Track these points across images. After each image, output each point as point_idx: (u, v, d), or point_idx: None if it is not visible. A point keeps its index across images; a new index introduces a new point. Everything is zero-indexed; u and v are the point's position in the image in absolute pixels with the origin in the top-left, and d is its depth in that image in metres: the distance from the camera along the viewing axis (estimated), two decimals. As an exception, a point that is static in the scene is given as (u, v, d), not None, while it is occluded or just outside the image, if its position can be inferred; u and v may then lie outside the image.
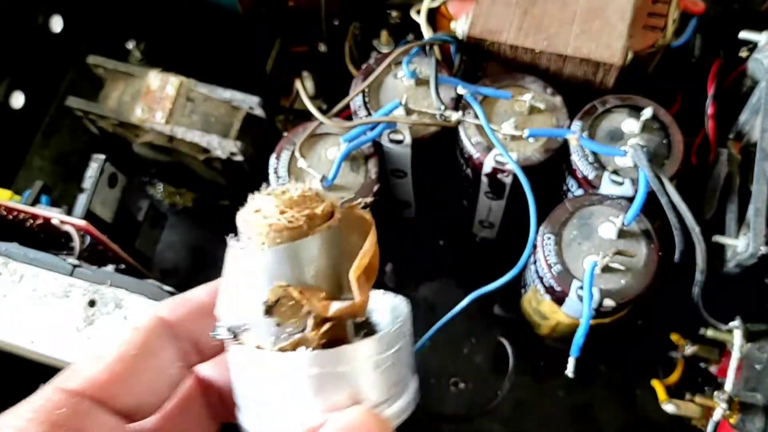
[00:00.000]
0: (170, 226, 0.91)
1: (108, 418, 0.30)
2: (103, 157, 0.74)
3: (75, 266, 0.58)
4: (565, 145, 0.67)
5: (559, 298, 0.63)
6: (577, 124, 0.67)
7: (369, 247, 0.30)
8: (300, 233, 0.29)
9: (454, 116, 0.68)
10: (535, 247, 0.64)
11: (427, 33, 0.75)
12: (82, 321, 0.56)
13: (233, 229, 0.31)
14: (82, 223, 0.69)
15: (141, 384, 0.31)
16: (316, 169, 0.69)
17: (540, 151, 0.67)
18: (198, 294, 0.34)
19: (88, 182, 0.73)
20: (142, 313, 0.34)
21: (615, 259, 0.61)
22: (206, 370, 0.35)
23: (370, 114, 0.71)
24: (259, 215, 0.29)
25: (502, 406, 0.76)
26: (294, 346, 0.29)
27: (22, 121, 0.79)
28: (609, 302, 0.60)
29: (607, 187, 0.65)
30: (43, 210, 0.69)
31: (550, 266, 0.62)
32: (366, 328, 0.32)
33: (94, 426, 0.29)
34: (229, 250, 0.31)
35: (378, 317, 0.34)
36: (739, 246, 0.60)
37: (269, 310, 0.29)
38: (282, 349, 0.29)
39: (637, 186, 0.62)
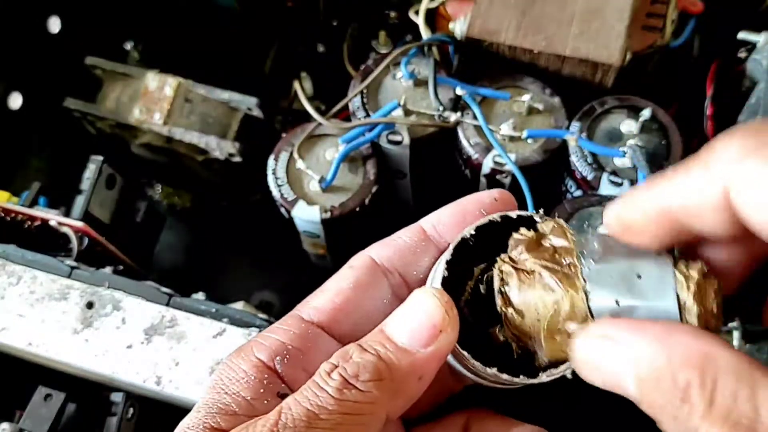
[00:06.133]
0: (168, 227, 0.91)
1: (331, 345, 0.34)
2: (101, 158, 0.74)
3: (73, 268, 0.58)
4: (564, 145, 0.67)
5: (558, 299, 0.63)
6: (575, 125, 0.67)
7: None
8: None
9: (453, 117, 0.68)
10: (533, 248, 0.64)
11: (425, 34, 0.74)
12: (80, 323, 0.56)
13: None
14: (80, 224, 0.68)
15: (358, 313, 0.35)
16: (315, 170, 0.69)
17: (538, 151, 0.67)
18: (402, 236, 0.38)
19: (86, 183, 0.73)
20: (357, 256, 0.38)
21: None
22: None
23: (368, 115, 0.71)
24: None
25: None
26: None
27: (20, 122, 0.79)
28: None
29: (606, 188, 0.64)
30: (41, 211, 0.69)
31: (548, 267, 0.62)
32: None
33: (318, 347, 0.34)
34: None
35: None
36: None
37: None
38: None
39: (636, 187, 0.62)
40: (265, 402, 0.32)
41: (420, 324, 0.32)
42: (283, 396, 0.31)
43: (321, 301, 0.36)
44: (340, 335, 0.35)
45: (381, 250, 0.37)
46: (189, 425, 0.31)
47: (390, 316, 0.33)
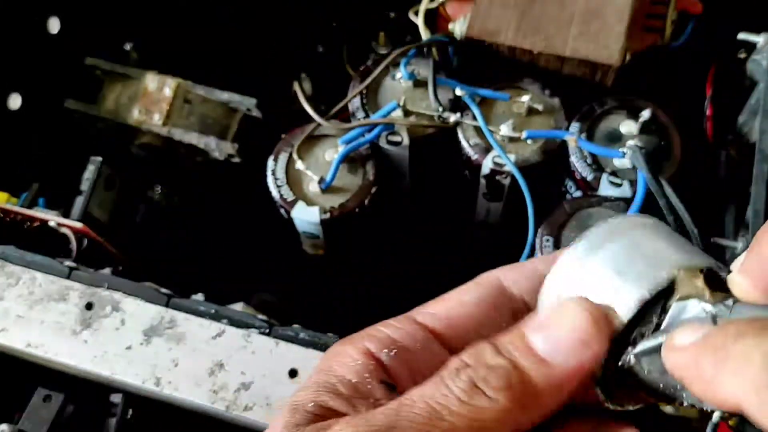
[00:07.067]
0: (168, 227, 0.90)
1: (440, 351, 0.33)
2: (100, 159, 0.74)
3: (72, 269, 0.58)
4: (564, 146, 0.67)
5: (557, 300, 0.63)
6: (575, 126, 0.67)
7: None
8: None
9: (452, 118, 0.68)
10: (533, 249, 0.64)
11: (425, 34, 0.74)
12: (79, 324, 0.56)
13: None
14: (79, 225, 0.68)
15: (474, 330, 0.33)
16: (314, 171, 0.69)
17: (538, 152, 0.67)
18: (537, 263, 0.36)
19: (85, 184, 0.73)
20: (485, 274, 0.36)
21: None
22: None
23: (368, 115, 0.71)
24: None
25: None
26: None
27: (19, 122, 0.79)
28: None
29: (605, 189, 0.64)
30: (40, 212, 0.69)
31: (548, 268, 0.62)
32: None
33: (426, 350, 0.33)
34: None
35: None
36: (738, 248, 0.59)
37: None
38: None
39: (636, 188, 0.62)
40: (369, 387, 0.31)
41: (565, 335, 0.30)
42: (386, 383, 0.31)
43: (438, 308, 0.34)
44: (451, 347, 0.33)
45: (510, 273, 0.35)
46: (297, 401, 0.30)
47: (533, 318, 0.31)
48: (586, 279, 0.31)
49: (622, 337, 0.29)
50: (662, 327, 0.29)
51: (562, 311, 0.31)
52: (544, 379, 0.29)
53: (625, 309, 0.28)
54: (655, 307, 0.29)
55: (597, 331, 0.29)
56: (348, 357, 0.32)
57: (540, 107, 0.68)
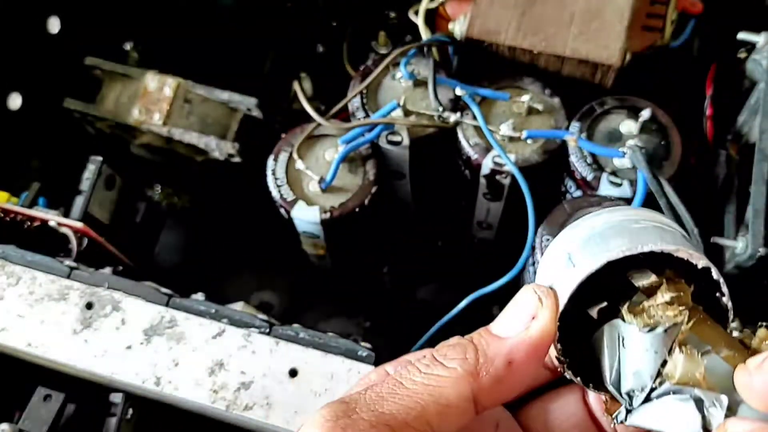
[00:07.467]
0: (168, 227, 0.90)
1: None
2: (100, 158, 0.74)
3: (72, 268, 0.58)
4: (564, 146, 0.67)
5: (557, 300, 0.63)
6: (575, 126, 0.67)
7: None
8: None
9: (452, 117, 0.68)
10: (533, 248, 0.64)
11: (425, 34, 0.74)
12: (80, 323, 0.56)
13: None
14: (80, 225, 0.68)
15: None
16: (314, 170, 0.69)
17: (538, 152, 0.67)
18: None
19: (85, 184, 0.73)
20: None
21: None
22: None
23: (368, 115, 0.71)
24: None
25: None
26: None
27: (19, 122, 0.79)
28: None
29: (605, 189, 0.64)
30: (41, 212, 0.69)
31: (548, 268, 0.62)
32: None
33: None
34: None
35: None
36: (738, 247, 0.59)
37: None
38: None
39: (636, 187, 0.62)
40: None
41: (514, 312, 0.35)
42: None
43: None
44: None
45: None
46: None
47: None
48: (548, 269, 0.36)
49: (570, 316, 0.34)
50: (651, 397, 0.33)
51: (516, 297, 0.35)
52: (494, 351, 0.33)
53: (567, 288, 0.34)
54: (590, 285, 0.34)
55: (540, 305, 0.34)
56: (368, 379, 0.37)
57: (540, 107, 0.68)
